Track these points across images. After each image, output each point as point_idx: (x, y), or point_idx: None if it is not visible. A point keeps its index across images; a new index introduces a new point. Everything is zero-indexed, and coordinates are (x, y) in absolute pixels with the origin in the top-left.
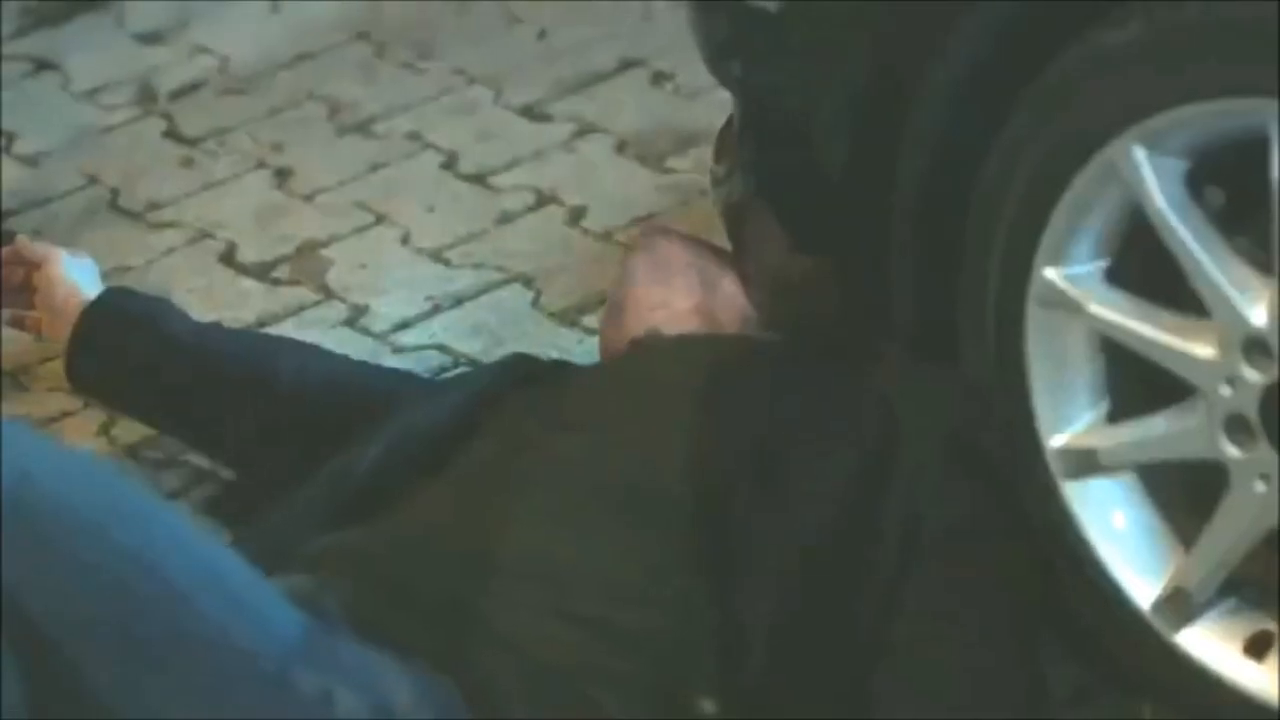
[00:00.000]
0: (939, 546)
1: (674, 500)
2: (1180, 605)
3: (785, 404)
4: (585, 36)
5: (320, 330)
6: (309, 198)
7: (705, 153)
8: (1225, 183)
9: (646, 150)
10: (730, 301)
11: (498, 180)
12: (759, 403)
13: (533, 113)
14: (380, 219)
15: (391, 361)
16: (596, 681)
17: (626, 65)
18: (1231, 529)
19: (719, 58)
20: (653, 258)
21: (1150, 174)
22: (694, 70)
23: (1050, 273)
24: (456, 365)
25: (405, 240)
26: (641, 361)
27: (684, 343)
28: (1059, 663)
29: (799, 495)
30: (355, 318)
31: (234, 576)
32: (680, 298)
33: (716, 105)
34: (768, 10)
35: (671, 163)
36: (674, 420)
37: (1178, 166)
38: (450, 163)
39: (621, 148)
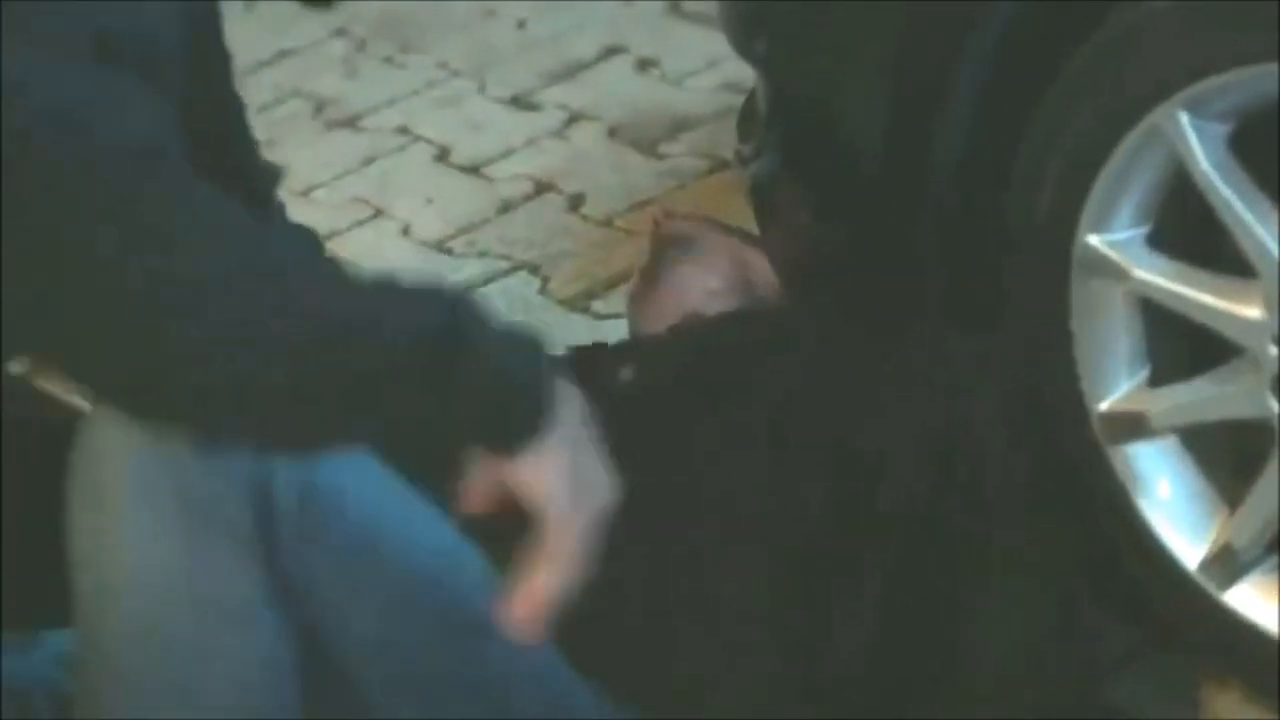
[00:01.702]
0: (997, 516)
1: (757, 516)
2: (1227, 564)
3: (839, 388)
4: (564, 25)
5: None
6: (305, 194)
7: (698, 136)
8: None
9: (638, 136)
10: (763, 276)
11: (493, 170)
12: (815, 391)
13: (520, 102)
14: (379, 213)
15: None
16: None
17: (609, 52)
18: None
19: (745, 35)
20: (679, 238)
21: (1195, 138)
22: (678, 55)
23: (1094, 239)
24: None
25: (406, 232)
26: (694, 358)
27: (727, 330)
28: (1111, 624)
29: (870, 490)
30: None
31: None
32: (714, 276)
33: (704, 90)
34: None
35: (664, 148)
36: (737, 428)
37: (1221, 130)
38: (443, 155)
39: (613, 134)
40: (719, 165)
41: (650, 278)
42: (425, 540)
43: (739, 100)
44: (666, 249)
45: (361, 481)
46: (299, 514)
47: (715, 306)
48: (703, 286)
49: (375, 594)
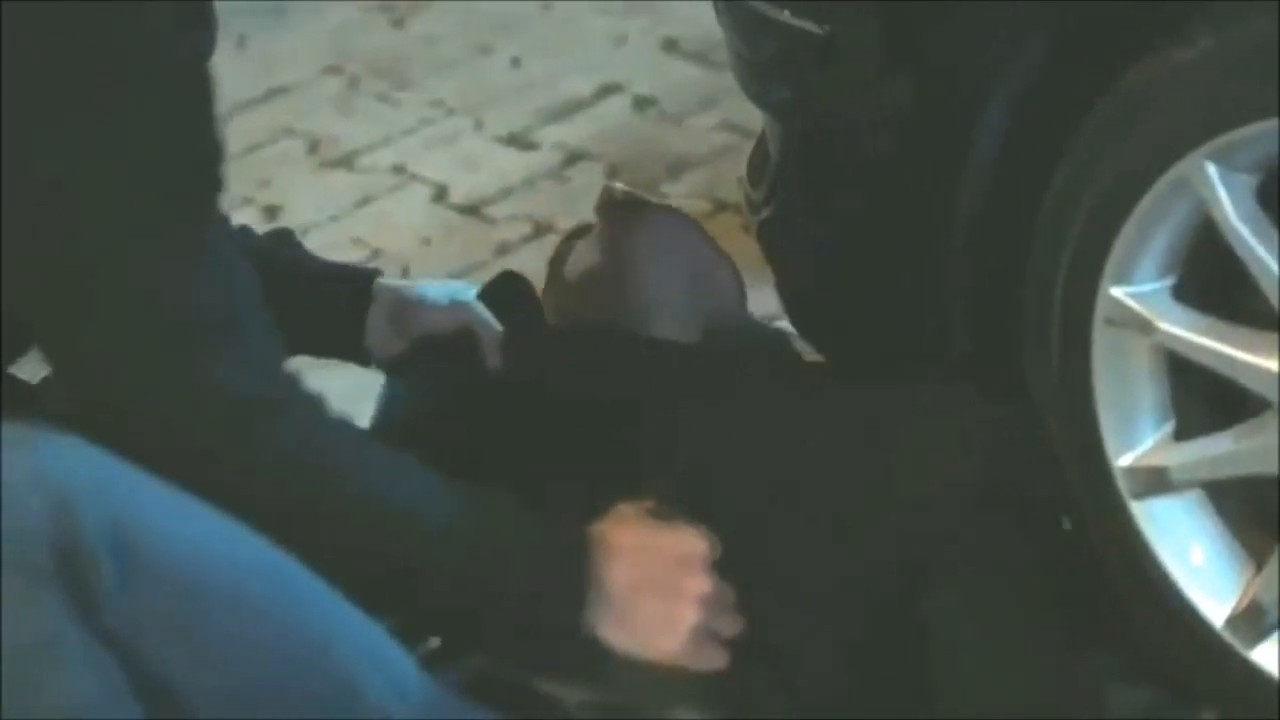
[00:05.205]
0: (957, 572)
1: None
2: (1254, 621)
3: (811, 433)
4: (558, 64)
5: (328, 368)
6: (302, 234)
7: (698, 177)
8: None
9: (638, 176)
10: (723, 294)
11: (491, 211)
12: (786, 435)
13: (518, 141)
14: (376, 253)
15: None
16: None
17: (605, 91)
18: None
19: (760, 81)
20: (654, 235)
21: (1223, 189)
22: (675, 94)
23: (1118, 291)
24: None
25: (405, 274)
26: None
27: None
28: (1119, 683)
29: (822, 532)
30: None
31: (387, 649)
32: (674, 280)
33: (702, 130)
34: (813, 32)
35: (665, 188)
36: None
37: (1249, 181)
38: (440, 195)
39: (613, 174)
40: (720, 207)
41: (594, 253)
42: (252, 564)
43: (738, 140)
44: (620, 229)
45: (178, 517)
46: (116, 565)
47: (665, 310)
48: (659, 285)
49: (211, 634)
